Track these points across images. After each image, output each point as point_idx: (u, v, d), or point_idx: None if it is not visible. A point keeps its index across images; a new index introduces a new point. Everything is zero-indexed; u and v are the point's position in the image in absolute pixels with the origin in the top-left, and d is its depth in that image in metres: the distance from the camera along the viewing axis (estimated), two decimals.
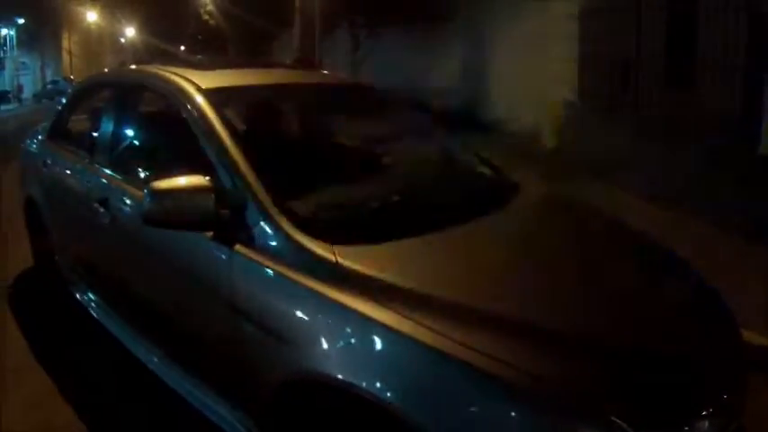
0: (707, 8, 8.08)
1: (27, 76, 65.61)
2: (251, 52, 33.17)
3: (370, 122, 3.41)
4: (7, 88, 59.81)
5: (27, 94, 61.19)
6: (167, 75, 3.35)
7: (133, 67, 4.91)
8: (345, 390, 2.00)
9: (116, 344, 3.66)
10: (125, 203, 3.32)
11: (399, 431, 1.85)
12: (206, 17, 44.28)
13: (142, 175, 3.38)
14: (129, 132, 3.82)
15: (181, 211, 2.48)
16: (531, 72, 11.01)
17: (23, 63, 65.38)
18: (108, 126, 3.85)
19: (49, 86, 59.22)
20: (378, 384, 1.94)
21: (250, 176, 2.57)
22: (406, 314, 1.98)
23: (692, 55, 8.39)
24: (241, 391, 2.57)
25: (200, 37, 44.92)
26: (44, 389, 3.75)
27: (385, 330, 1.98)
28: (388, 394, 1.91)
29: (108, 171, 3.64)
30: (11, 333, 4.55)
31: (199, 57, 22.78)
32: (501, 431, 1.80)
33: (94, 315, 3.98)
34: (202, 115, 2.90)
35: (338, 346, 2.11)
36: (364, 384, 1.95)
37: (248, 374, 2.45)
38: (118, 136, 3.79)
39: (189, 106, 3.00)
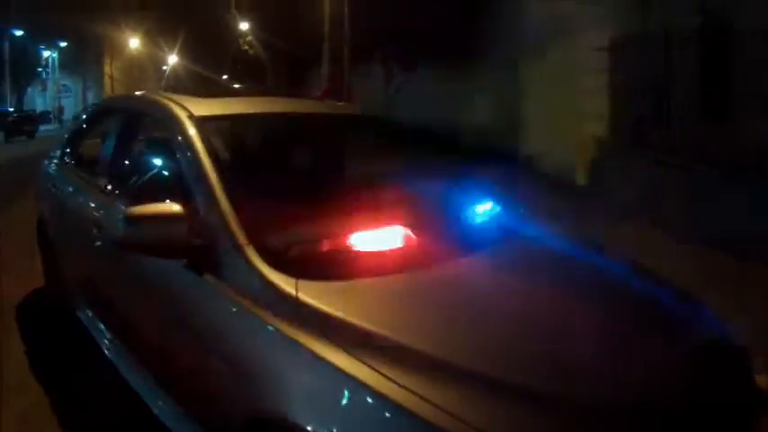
0: (742, 37, 7.86)
1: (68, 98, 67.39)
2: (288, 81, 33.68)
3: (364, 154, 3.39)
4: (48, 109, 61.33)
5: (68, 115, 62.59)
6: (164, 101, 3.42)
7: (138, 93, 5.00)
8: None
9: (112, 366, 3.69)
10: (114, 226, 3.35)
11: None
12: (245, 47, 45.13)
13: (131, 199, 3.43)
14: (126, 157, 3.90)
15: (153, 237, 2.52)
16: (561, 107, 10.97)
17: (65, 85, 67.21)
18: (108, 150, 3.97)
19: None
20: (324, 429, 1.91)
21: (225, 206, 2.59)
22: (357, 356, 1.96)
23: (728, 86, 8.16)
24: (215, 425, 2.54)
25: (239, 67, 45.68)
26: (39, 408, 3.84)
27: (335, 372, 1.96)
28: None
29: (103, 194, 3.70)
30: (14, 350, 4.66)
31: (236, 84, 23.15)
32: None
33: (93, 335, 4.02)
34: (188, 142, 2.96)
35: (290, 386, 2.10)
36: (310, 428, 1.93)
37: (218, 408, 2.43)
38: (115, 160, 3.89)
39: (177, 133, 3.06)
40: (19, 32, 59.65)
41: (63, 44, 65.72)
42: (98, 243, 3.55)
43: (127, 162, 3.86)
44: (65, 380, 4.21)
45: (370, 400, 1.87)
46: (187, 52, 58.98)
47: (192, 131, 3.01)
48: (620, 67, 9.65)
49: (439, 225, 3.04)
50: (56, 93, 65.34)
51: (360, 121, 4.43)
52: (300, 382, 2.08)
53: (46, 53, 66.72)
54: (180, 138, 3.02)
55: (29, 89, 69.05)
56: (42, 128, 46.11)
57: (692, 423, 1.99)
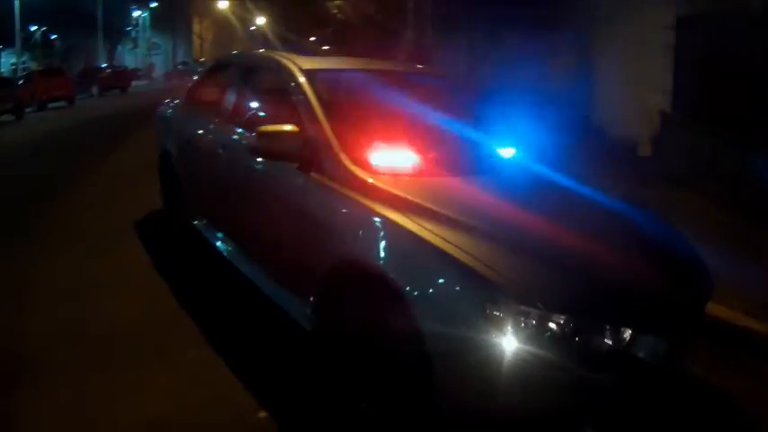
0: None
1: (158, 56, 70.17)
2: (374, 47, 34.55)
3: (425, 101, 4.59)
4: (139, 66, 64.08)
5: (158, 72, 65.30)
6: (279, 58, 4.77)
7: (256, 51, 6.38)
8: (366, 268, 3.18)
9: (219, 256, 5.08)
10: (240, 146, 4.67)
11: (391, 293, 2.97)
12: (335, 11, 46.24)
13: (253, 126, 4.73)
14: (246, 97, 5.18)
15: (277, 147, 3.81)
16: (630, 80, 11.64)
17: (155, 43, 69.83)
18: (231, 93, 5.29)
19: (179, 67, 62.99)
20: (387, 264, 3.10)
21: (326, 128, 3.86)
22: (410, 217, 3.14)
23: None
24: (300, 281, 3.81)
25: (329, 30, 46.76)
26: (159, 288, 5.32)
27: (397, 227, 3.15)
28: (390, 268, 3.06)
29: (230, 125, 5.01)
30: (139, 253, 6.21)
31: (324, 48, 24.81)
32: (450, 299, 2.82)
33: (204, 235, 5.41)
34: (300, 86, 4.24)
35: (364, 236, 3.32)
36: (377, 262, 3.14)
37: (305, 265, 3.68)
38: (238, 100, 5.20)
39: (291, 80, 4.36)
40: None
41: (154, 4, 68.55)
42: (223, 160, 4.87)
43: (248, 101, 5.15)
44: (181, 269, 5.70)
45: (411, 241, 3.05)
46: (274, 14, 60.39)
47: (302, 79, 4.30)
48: (686, 44, 10.25)
49: (473, 155, 4.30)
50: (146, 50, 68.36)
51: (425, 76, 5.83)
52: (369, 232, 3.29)
53: (136, 12, 69.73)
54: (293, 84, 4.31)
55: (119, 47, 72.32)
56: (133, 83, 48.60)
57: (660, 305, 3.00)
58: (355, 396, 3.41)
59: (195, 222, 5.62)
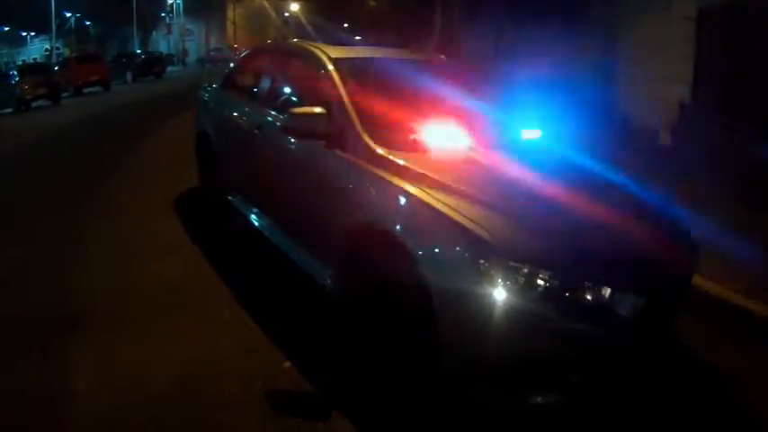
0: None
1: (192, 42, 70.83)
2: (406, 35, 34.87)
3: (443, 86, 5.05)
4: (172, 51, 64.92)
5: (191, 58, 66.01)
6: (310, 47, 5.28)
7: (290, 41, 6.90)
8: (380, 231, 3.67)
9: (252, 227, 5.62)
10: (274, 126, 5.16)
11: (401, 252, 3.44)
12: None
13: (286, 109, 5.22)
14: (280, 83, 5.70)
15: (307, 127, 4.33)
16: (653, 70, 11.84)
17: (189, 29, 70.58)
18: (266, 78, 5.82)
19: (213, 53, 63.72)
20: (397, 227, 3.59)
21: (350, 110, 4.35)
22: (419, 187, 3.61)
23: None
24: (323, 246, 4.35)
25: (361, 18, 47.20)
26: (196, 256, 5.90)
27: (407, 194, 3.62)
28: (399, 230, 3.55)
29: (265, 108, 5.51)
30: (179, 224, 6.81)
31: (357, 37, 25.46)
32: (450, 257, 3.27)
33: (238, 208, 5.94)
34: (329, 73, 4.74)
35: (378, 203, 3.83)
36: (389, 225, 3.63)
37: (327, 231, 4.20)
38: (272, 85, 5.72)
39: (321, 68, 4.86)
40: None
41: None
42: (259, 139, 5.38)
43: (282, 86, 5.66)
44: (218, 239, 6.27)
45: (418, 207, 3.52)
46: (309, 1, 60.85)
47: (331, 67, 4.80)
48: (706, 36, 10.43)
49: (486, 134, 4.72)
50: (180, 37, 69.21)
51: (444, 65, 6.34)
52: (383, 200, 3.79)
53: None
54: (322, 71, 4.81)
55: (153, 33, 73.37)
56: (169, 68, 49.44)
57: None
58: (369, 348, 3.91)
59: (230, 197, 6.14)
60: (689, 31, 10.71)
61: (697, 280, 4.44)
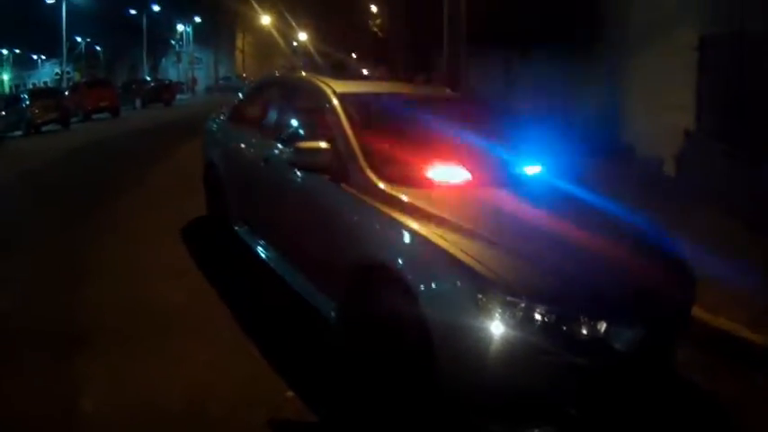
0: None
1: (201, 70, 71.50)
2: (413, 66, 35.19)
3: (446, 122, 5.15)
4: (181, 80, 65.48)
5: (200, 86, 66.54)
6: (315, 81, 5.41)
7: (297, 74, 7.01)
8: (381, 265, 3.76)
9: (258, 258, 5.72)
10: (280, 159, 5.26)
11: (402, 287, 3.52)
12: (375, 29, 47.10)
13: (292, 142, 5.32)
14: (286, 115, 5.83)
15: (312, 160, 4.45)
16: (657, 100, 11.89)
17: (198, 58, 71.29)
18: (273, 111, 5.97)
19: (221, 82, 64.25)
20: (398, 261, 3.67)
21: (354, 145, 4.46)
22: (420, 222, 3.70)
23: None
24: (327, 279, 4.43)
25: (368, 49, 47.64)
26: (199, 282, 6.02)
27: (408, 229, 3.70)
28: (401, 265, 3.63)
29: (271, 141, 5.62)
30: (185, 252, 6.92)
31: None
32: (449, 291, 3.38)
33: (245, 239, 6.03)
34: (333, 108, 4.85)
35: (381, 237, 3.92)
36: (390, 260, 3.71)
37: (331, 264, 4.28)
38: (279, 118, 5.86)
39: (326, 101, 4.98)
40: (156, 8, 64.44)
41: (198, 19, 70.21)
42: (265, 172, 5.49)
43: (288, 119, 5.79)
44: (224, 268, 6.33)
45: (419, 242, 3.61)
46: (316, 30, 61.40)
47: (335, 101, 4.91)
48: (709, 64, 10.45)
49: (487, 170, 4.81)
50: (189, 64, 69.87)
51: (448, 100, 6.40)
52: (388, 236, 3.87)
53: (180, 27, 71.51)
54: (327, 105, 4.92)
55: (163, 60, 74.14)
56: (178, 96, 49.81)
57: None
58: (371, 379, 3.98)
59: (237, 228, 6.23)
60: (692, 59, 10.79)
61: (695, 311, 4.44)
